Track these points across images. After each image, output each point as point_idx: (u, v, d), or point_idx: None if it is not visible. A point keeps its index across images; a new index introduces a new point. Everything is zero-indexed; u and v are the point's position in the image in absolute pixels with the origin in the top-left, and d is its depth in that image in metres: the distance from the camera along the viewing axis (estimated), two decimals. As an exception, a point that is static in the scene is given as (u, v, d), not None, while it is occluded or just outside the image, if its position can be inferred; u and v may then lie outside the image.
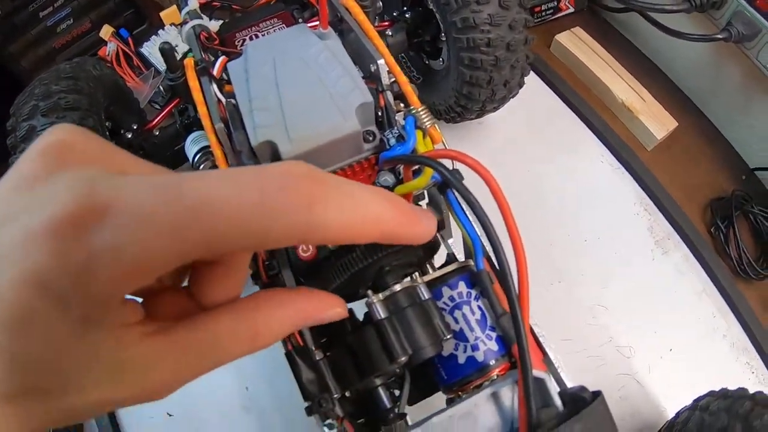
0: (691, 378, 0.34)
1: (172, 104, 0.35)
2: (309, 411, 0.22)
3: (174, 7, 0.44)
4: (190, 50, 0.31)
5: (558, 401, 0.22)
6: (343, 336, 0.23)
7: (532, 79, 0.57)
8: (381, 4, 0.39)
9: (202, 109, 0.25)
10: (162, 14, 0.46)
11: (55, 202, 0.11)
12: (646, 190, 0.50)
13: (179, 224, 0.11)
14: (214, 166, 0.27)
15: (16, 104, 0.32)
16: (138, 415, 0.41)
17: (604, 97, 0.57)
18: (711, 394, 0.33)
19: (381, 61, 0.27)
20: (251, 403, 0.40)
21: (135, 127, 0.36)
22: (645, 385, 0.41)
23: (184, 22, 0.31)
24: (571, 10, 0.65)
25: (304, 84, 0.25)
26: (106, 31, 0.64)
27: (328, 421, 0.22)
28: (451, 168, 0.23)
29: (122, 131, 0.36)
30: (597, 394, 0.22)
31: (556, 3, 0.64)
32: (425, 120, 0.27)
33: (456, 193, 0.26)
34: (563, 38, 0.60)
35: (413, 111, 0.27)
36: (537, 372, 0.21)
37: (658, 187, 0.50)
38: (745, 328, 0.45)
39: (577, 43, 0.60)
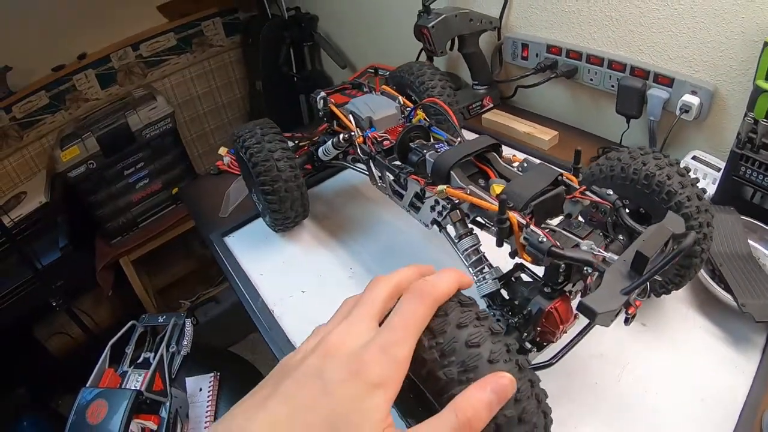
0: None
1: (323, 127, 0.93)
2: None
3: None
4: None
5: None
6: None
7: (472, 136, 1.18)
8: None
9: (339, 112, 0.83)
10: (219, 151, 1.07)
11: None
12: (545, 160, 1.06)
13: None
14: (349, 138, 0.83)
15: (238, 135, 0.88)
16: (280, 294, 0.81)
17: (514, 135, 1.17)
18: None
19: (398, 100, 0.87)
20: (354, 274, 0.84)
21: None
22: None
23: (320, 98, 0.90)
24: (491, 105, 1.31)
25: (377, 102, 0.84)
26: (223, 150, 1.25)
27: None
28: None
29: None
30: None
31: (481, 102, 1.30)
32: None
33: (436, 127, 0.82)
34: (487, 116, 1.23)
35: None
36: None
37: (553, 158, 1.06)
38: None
39: (494, 116, 1.23)
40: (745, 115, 0.75)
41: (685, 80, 0.91)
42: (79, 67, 1.90)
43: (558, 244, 0.47)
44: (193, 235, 2.14)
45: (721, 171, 0.81)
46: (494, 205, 0.54)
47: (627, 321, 0.44)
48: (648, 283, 0.42)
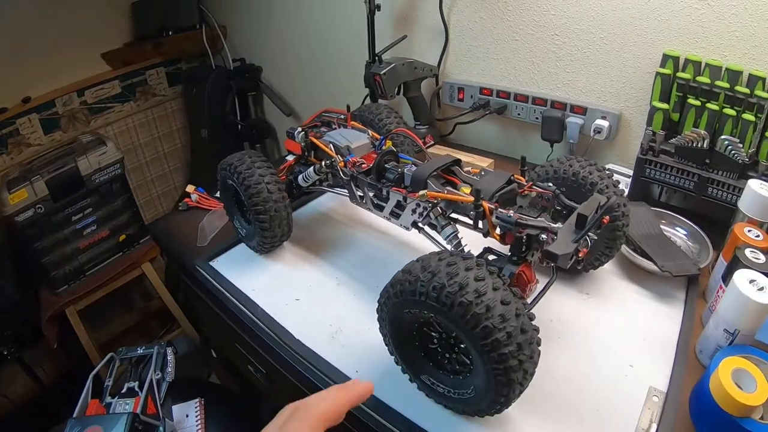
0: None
1: (289, 163, 1.08)
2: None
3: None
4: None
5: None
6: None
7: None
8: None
9: (319, 143, 0.99)
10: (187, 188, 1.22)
11: None
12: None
13: None
14: (331, 164, 0.99)
15: (229, 164, 1.01)
16: (276, 304, 0.92)
17: (459, 162, 1.39)
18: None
19: (367, 132, 1.05)
20: (341, 282, 0.98)
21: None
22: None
23: (299, 133, 1.06)
24: (432, 142, 1.53)
25: (351, 135, 1.01)
26: (190, 188, 1.36)
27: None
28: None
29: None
30: None
31: (423, 140, 1.51)
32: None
33: (404, 154, 1.01)
34: (430, 151, 1.44)
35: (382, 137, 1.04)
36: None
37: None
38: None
39: (437, 151, 1.43)
40: (646, 129, 1.01)
41: (596, 108, 1.18)
42: (23, 111, 1.91)
43: (522, 217, 0.65)
44: (135, 287, 2.15)
45: (631, 176, 1.05)
46: (469, 198, 0.72)
47: (580, 263, 0.63)
48: (587, 239, 0.62)
